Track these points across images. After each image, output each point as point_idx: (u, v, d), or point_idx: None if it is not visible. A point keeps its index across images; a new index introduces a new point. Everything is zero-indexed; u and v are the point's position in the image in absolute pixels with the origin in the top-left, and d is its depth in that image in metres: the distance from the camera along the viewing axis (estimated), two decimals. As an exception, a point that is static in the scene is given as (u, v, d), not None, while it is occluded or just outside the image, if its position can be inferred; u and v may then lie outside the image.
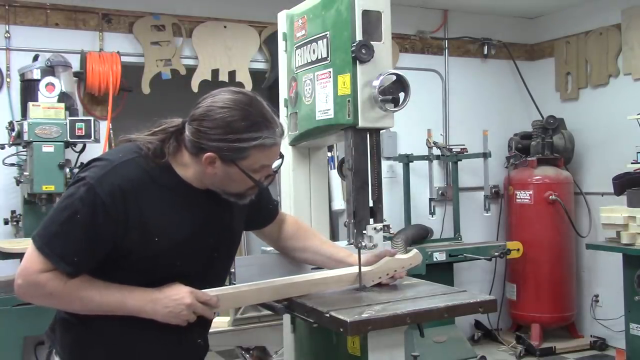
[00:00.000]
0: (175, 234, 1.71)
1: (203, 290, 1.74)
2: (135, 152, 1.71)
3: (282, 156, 1.81)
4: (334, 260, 2.04)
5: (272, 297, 1.90)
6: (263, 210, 2.06)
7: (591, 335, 5.48)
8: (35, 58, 4.08)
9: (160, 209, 1.69)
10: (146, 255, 1.68)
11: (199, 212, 1.76)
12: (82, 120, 3.80)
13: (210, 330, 1.94)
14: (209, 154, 1.66)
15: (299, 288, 1.93)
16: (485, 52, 5.88)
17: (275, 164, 1.79)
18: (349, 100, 1.89)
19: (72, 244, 1.61)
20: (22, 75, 4.00)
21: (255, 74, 4.97)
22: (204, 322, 1.85)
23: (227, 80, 4.81)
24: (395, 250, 2.03)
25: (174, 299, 1.68)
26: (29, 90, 3.90)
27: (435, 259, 4.59)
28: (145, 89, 4.59)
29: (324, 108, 2.01)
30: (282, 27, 2.33)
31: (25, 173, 3.77)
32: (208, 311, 1.75)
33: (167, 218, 1.70)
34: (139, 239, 1.66)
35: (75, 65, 4.29)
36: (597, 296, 5.53)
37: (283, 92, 2.33)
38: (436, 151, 5.34)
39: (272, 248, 2.29)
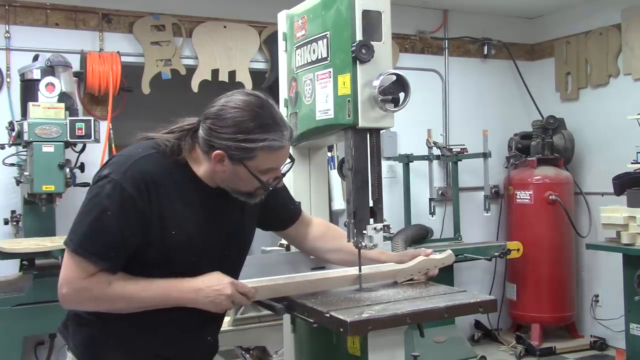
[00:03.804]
0: (190, 228, 1.75)
1: (242, 281, 1.79)
2: (153, 148, 1.76)
3: (292, 159, 1.85)
4: (367, 258, 2.05)
5: (308, 290, 1.92)
6: (281, 212, 2.09)
7: (591, 335, 5.49)
8: (35, 58, 4.07)
9: (177, 204, 1.73)
10: (164, 248, 1.72)
11: (211, 209, 1.80)
12: (82, 120, 3.80)
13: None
14: (218, 151, 1.70)
15: (334, 282, 1.97)
16: (485, 52, 5.88)
17: (285, 168, 1.83)
18: (349, 100, 1.89)
19: (106, 240, 1.65)
20: (22, 75, 4.00)
21: (255, 74, 4.97)
22: (216, 321, 1.91)
23: (227, 80, 4.81)
24: (430, 251, 2.07)
25: (215, 289, 1.73)
26: (29, 90, 3.89)
27: (435, 259, 4.58)
28: (145, 89, 4.59)
29: (324, 108, 2.01)
30: (282, 27, 2.33)
31: (25, 173, 3.77)
32: (246, 301, 1.80)
33: (183, 213, 1.74)
34: (158, 231, 1.70)
35: (75, 65, 4.29)
36: (597, 296, 5.54)
37: (283, 92, 2.33)
38: (436, 151, 5.34)
39: (272, 248, 2.29)
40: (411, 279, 2.05)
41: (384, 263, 2.06)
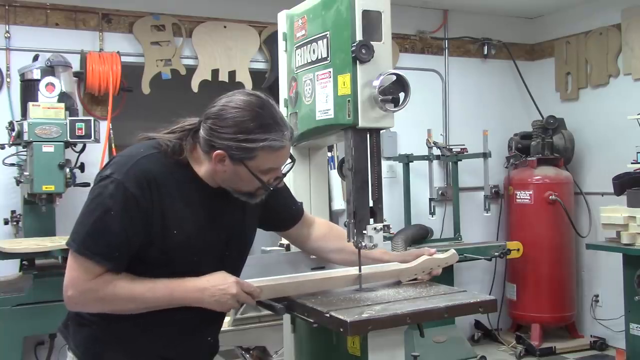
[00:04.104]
0: (190, 228, 1.75)
1: (247, 281, 1.80)
2: (155, 147, 1.77)
3: (293, 160, 1.85)
4: (370, 258, 2.06)
5: (312, 289, 1.92)
6: (282, 212, 2.09)
7: (591, 335, 5.49)
8: (35, 58, 4.07)
9: (178, 203, 1.74)
10: (165, 248, 1.72)
11: (212, 209, 1.81)
12: (82, 120, 3.80)
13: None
14: (218, 151, 1.71)
15: (337, 282, 1.97)
16: (485, 52, 5.88)
17: (286, 168, 1.83)
18: (349, 100, 1.89)
19: (110, 240, 1.65)
20: (22, 75, 4.00)
21: (255, 74, 4.97)
22: (217, 321, 1.92)
23: (227, 80, 4.81)
24: (434, 250, 2.08)
25: (221, 289, 1.74)
26: (29, 90, 3.89)
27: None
28: (145, 89, 4.59)
29: (324, 108, 2.01)
30: (282, 27, 2.33)
31: (25, 173, 3.77)
32: (251, 300, 1.80)
33: (184, 212, 1.75)
34: (160, 231, 1.70)
35: (75, 65, 4.29)
36: (597, 296, 5.54)
37: (283, 92, 2.33)
38: (436, 151, 5.34)
39: (272, 248, 2.29)
40: (415, 279, 2.05)
41: (387, 263, 2.06)
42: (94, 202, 1.68)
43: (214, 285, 1.74)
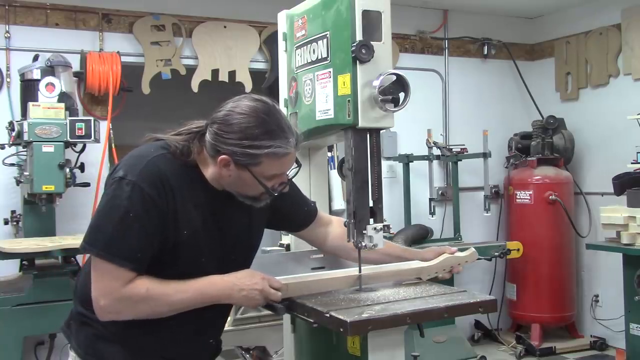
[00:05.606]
0: (199, 229, 1.76)
1: (275, 278, 1.81)
2: (164, 148, 1.77)
3: (299, 164, 1.86)
4: (392, 256, 2.09)
5: (336, 287, 1.93)
6: (291, 214, 2.09)
7: (591, 335, 5.49)
8: (35, 58, 4.07)
9: (188, 203, 1.74)
10: (175, 248, 1.72)
11: (218, 211, 1.81)
12: (82, 120, 3.80)
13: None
14: (223, 156, 1.71)
15: (360, 279, 1.97)
16: (485, 52, 5.88)
17: (291, 173, 1.84)
18: (349, 100, 1.88)
19: (132, 242, 1.65)
20: (22, 75, 4.00)
21: (255, 74, 4.97)
22: (219, 323, 1.93)
23: (227, 81, 4.81)
24: (455, 249, 2.10)
25: (249, 284, 1.76)
26: (29, 90, 3.89)
27: (435, 259, 4.59)
28: (145, 89, 4.59)
29: (324, 108, 2.01)
30: (282, 27, 2.33)
31: (25, 173, 3.77)
32: (278, 297, 1.81)
33: (193, 213, 1.75)
34: (172, 230, 1.71)
35: (75, 65, 4.29)
36: (597, 296, 5.54)
37: (283, 92, 2.33)
38: (436, 151, 5.34)
39: (272, 248, 2.29)
40: (435, 277, 2.07)
41: (408, 260, 2.08)
42: (109, 205, 1.67)
43: (243, 281, 1.76)
